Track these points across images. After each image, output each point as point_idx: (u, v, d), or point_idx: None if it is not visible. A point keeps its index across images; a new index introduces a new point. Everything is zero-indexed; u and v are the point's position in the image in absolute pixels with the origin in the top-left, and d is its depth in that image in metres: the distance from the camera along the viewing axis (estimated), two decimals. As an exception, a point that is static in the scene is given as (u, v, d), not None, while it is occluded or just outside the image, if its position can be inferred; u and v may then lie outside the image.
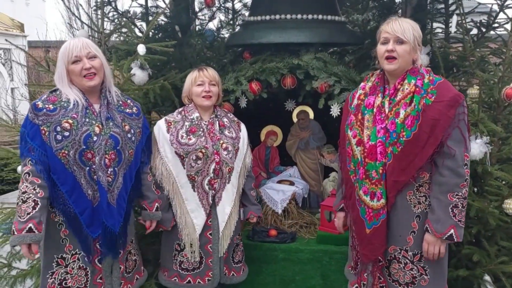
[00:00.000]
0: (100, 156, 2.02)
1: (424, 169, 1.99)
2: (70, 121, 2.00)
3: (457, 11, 2.98)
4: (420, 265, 2.06)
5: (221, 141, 2.40)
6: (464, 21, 2.90)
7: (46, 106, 2.01)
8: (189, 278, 2.44)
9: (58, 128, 1.98)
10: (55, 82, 2.10)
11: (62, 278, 2.08)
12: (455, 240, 1.95)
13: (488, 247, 2.44)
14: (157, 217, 2.33)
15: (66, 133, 1.98)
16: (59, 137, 1.98)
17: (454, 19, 2.90)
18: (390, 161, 2.00)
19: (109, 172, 2.06)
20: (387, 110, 2.03)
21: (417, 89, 1.97)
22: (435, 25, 3.57)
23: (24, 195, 1.92)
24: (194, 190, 2.37)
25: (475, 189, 2.57)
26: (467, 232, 2.48)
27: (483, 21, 3.23)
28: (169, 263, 2.47)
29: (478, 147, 2.37)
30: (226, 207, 2.43)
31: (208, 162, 2.35)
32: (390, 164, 2.00)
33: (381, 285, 2.13)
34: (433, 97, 1.94)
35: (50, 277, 2.08)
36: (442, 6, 3.46)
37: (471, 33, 3.11)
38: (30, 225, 1.89)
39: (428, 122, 1.93)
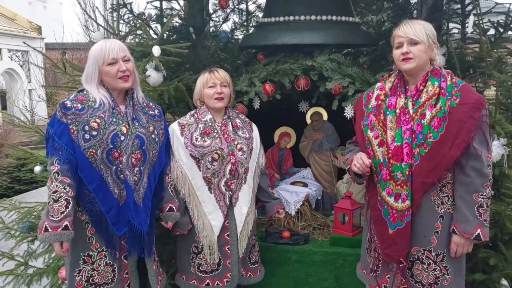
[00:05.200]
0: (128, 156, 2.06)
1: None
2: (98, 120, 2.03)
3: (474, 11, 2.94)
4: (442, 265, 2.06)
5: (236, 142, 2.40)
6: (481, 22, 2.86)
7: (75, 105, 2.03)
8: (208, 281, 2.43)
9: (86, 128, 2.01)
10: (82, 82, 2.13)
11: (89, 275, 2.12)
12: (483, 240, 1.97)
13: (505, 251, 2.40)
14: (172, 218, 2.33)
15: (94, 133, 2.01)
16: (87, 136, 2.01)
17: (471, 19, 2.86)
18: (417, 162, 2.00)
19: (135, 171, 2.09)
20: (411, 111, 2.03)
21: (442, 90, 1.99)
22: (451, 25, 3.53)
23: (55, 195, 1.96)
24: (210, 192, 2.37)
25: (492, 192, 2.52)
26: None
27: (500, 21, 3.18)
28: (187, 266, 2.47)
29: (495, 149, 2.35)
30: (243, 207, 2.43)
31: (224, 163, 2.35)
32: (417, 165, 2.00)
33: (403, 286, 2.13)
34: (457, 99, 1.97)
35: (77, 274, 2.11)
36: (458, 6, 3.42)
37: (488, 33, 3.06)
38: (66, 223, 1.94)
39: (454, 124, 1.95)
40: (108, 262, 2.13)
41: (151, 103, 2.29)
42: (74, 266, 2.11)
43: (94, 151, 2.01)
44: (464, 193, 1.98)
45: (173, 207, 2.32)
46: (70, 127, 2.00)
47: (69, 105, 2.03)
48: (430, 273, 2.07)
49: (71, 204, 1.97)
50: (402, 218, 2.04)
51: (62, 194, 1.95)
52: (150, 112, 2.24)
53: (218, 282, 2.43)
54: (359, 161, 2.09)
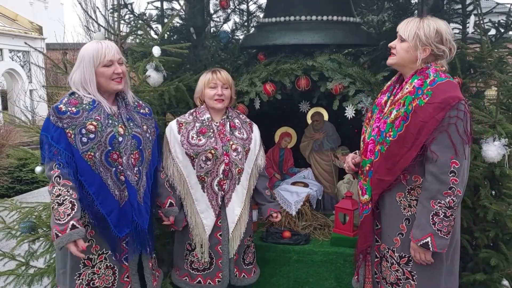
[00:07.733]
0: (127, 156, 2.06)
1: (416, 172, 1.95)
2: (95, 123, 2.01)
3: (475, 11, 2.94)
4: (406, 269, 2.03)
5: (231, 142, 2.40)
6: (482, 22, 2.86)
7: (69, 109, 2.00)
8: (199, 279, 2.46)
9: (83, 131, 1.98)
10: (74, 84, 2.07)
11: (90, 279, 2.09)
12: (431, 250, 1.89)
13: (506, 251, 2.40)
14: (173, 213, 2.35)
15: (92, 135, 1.99)
16: (84, 139, 1.98)
17: (472, 19, 2.86)
18: (377, 159, 2.03)
19: (135, 171, 2.10)
20: (386, 109, 2.06)
21: (413, 89, 1.95)
22: (452, 25, 3.52)
23: (59, 198, 1.92)
24: (204, 191, 2.39)
25: (493, 192, 2.53)
26: (484, 235, 2.44)
27: (501, 21, 3.18)
28: (181, 262, 2.50)
29: (496, 149, 2.34)
30: (236, 208, 2.43)
31: (218, 163, 2.36)
32: (376, 162, 2.04)
33: (377, 280, 2.17)
34: (426, 98, 1.89)
35: (78, 278, 2.09)
36: (459, 6, 3.42)
37: (489, 33, 3.06)
38: (72, 222, 1.91)
39: (416, 124, 1.89)
40: (108, 264, 2.11)
41: (140, 102, 2.29)
42: (74, 270, 2.08)
43: (92, 154, 1.99)
44: (423, 197, 1.92)
45: (172, 201, 2.35)
46: (67, 131, 1.97)
47: (63, 109, 1.99)
48: (393, 273, 2.07)
49: (76, 206, 1.94)
50: (362, 211, 2.14)
51: (66, 197, 1.93)
52: (142, 111, 2.24)
53: (210, 281, 2.44)
54: (348, 161, 2.26)
